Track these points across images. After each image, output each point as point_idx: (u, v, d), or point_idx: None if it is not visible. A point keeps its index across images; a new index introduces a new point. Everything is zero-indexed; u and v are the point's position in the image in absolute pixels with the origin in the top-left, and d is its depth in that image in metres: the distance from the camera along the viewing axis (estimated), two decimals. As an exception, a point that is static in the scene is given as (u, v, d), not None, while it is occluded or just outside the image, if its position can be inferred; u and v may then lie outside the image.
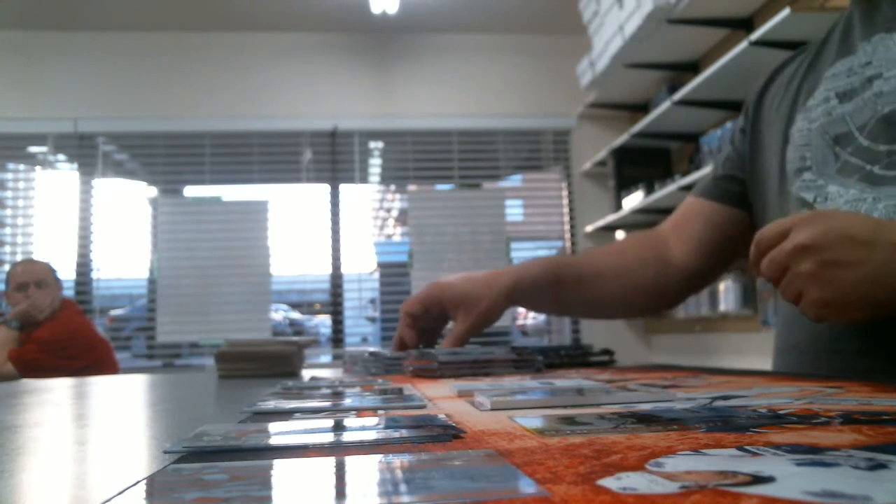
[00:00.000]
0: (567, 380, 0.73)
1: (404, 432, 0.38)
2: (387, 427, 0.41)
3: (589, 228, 4.03)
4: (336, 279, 4.07)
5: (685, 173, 3.10)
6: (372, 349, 1.00)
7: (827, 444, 0.31)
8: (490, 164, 4.26)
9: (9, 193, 4.05)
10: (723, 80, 2.74)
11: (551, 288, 1.03)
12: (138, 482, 0.28)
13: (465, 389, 0.63)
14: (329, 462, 0.31)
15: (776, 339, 0.94)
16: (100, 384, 1.13)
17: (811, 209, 0.82)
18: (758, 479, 0.24)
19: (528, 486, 0.25)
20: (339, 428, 0.42)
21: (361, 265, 4.24)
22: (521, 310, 5.01)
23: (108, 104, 3.94)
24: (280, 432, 0.41)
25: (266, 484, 0.27)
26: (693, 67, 3.30)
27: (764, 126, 0.98)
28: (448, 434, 0.38)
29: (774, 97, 0.98)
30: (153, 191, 4.14)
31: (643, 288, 1.06)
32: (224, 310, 3.85)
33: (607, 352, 1.11)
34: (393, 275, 4.35)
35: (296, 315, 4.73)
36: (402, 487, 0.25)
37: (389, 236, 4.97)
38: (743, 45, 2.47)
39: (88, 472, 0.36)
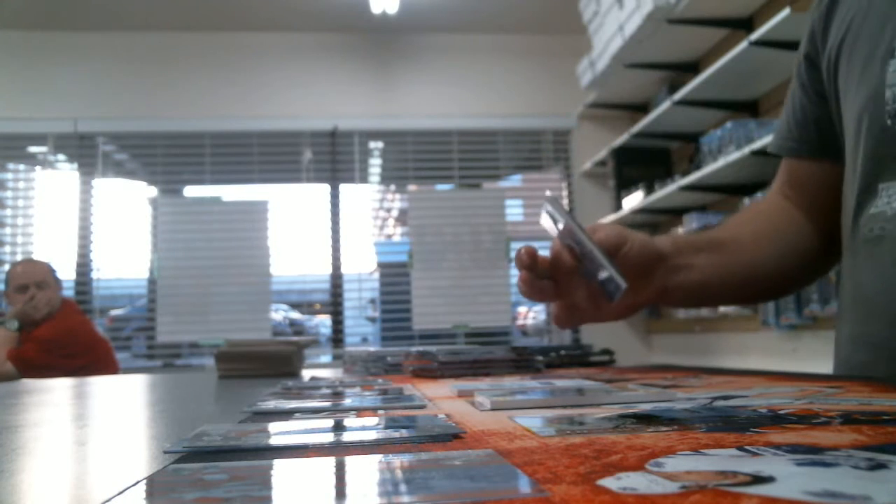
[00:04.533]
0: (567, 380, 0.73)
1: (404, 432, 0.38)
2: (387, 427, 0.41)
3: (589, 228, 4.02)
4: (336, 279, 4.07)
5: (685, 173, 3.10)
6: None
7: (827, 444, 0.31)
8: (490, 164, 4.26)
9: (9, 193, 4.05)
10: (723, 80, 2.74)
11: (696, 252, 0.83)
12: (138, 482, 0.28)
13: (465, 389, 0.63)
14: (329, 462, 0.31)
15: (844, 326, 0.82)
16: (100, 384, 1.13)
17: None
18: (758, 479, 0.24)
19: (528, 486, 0.25)
20: (339, 428, 0.42)
21: (361, 265, 4.24)
22: (522, 309, 5.01)
23: (108, 104, 3.94)
24: (280, 432, 0.41)
25: (266, 484, 0.27)
26: (693, 67, 3.30)
27: (843, 43, 0.79)
28: (448, 434, 0.38)
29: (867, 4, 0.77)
30: (153, 191, 4.14)
31: (799, 250, 0.88)
32: (224, 310, 3.85)
33: (607, 352, 1.12)
34: (393, 275, 4.34)
35: (296, 315, 4.73)
36: (402, 487, 0.25)
37: (389, 236, 4.96)
38: (743, 45, 2.47)
39: (88, 472, 0.36)
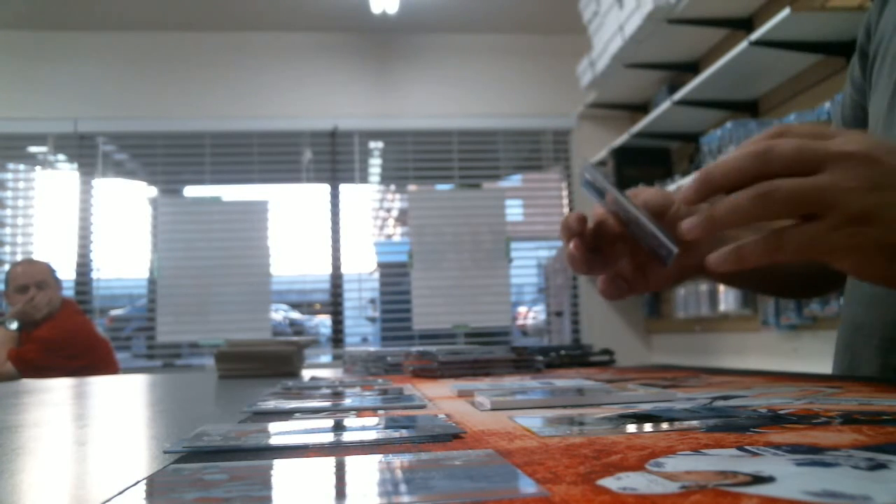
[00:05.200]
0: (567, 380, 0.73)
1: (404, 432, 0.38)
2: (387, 427, 0.41)
3: (589, 228, 4.02)
4: (336, 279, 4.07)
5: (685, 173, 3.10)
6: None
7: (827, 444, 0.31)
8: (490, 164, 4.26)
9: (9, 193, 4.05)
10: (723, 80, 2.74)
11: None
12: (138, 482, 0.28)
13: (465, 389, 0.63)
14: (329, 462, 0.31)
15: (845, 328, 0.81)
16: (100, 384, 1.13)
17: None
18: (758, 479, 0.24)
19: (528, 486, 0.25)
20: (339, 428, 0.42)
21: (361, 265, 4.24)
22: (522, 309, 5.01)
23: (108, 104, 3.94)
24: (280, 432, 0.41)
25: (266, 484, 0.27)
26: (693, 67, 3.30)
27: (883, 38, 0.79)
28: (448, 434, 0.38)
29: None
30: (153, 191, 4.14)
31: None
32: (224, 310, 3.85)
33: (607, 352, 1.12)
34: (393, 275, 4.34)
35: (296, 315, 4.73)
36: (402, 487, 0.25)
37: (389, 236, 4.96)
38: (743, 45, 2.47)
39: (88, 472, 0.36)
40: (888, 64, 0.75)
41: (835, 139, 0.48)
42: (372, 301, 4.48)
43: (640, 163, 3.67)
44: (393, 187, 4.66)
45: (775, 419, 0.40)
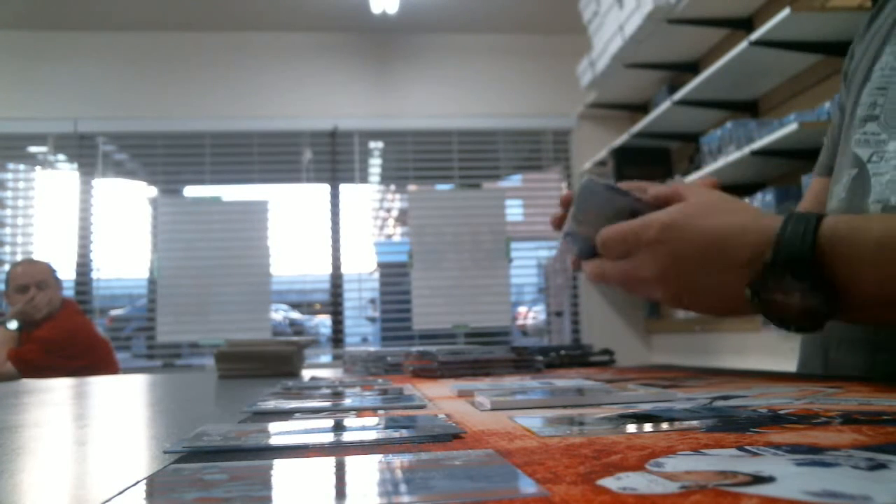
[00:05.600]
0: (567, 380, 0.73)
1: (404, 432, 0.38)
2: (387, 427, 0.41)
3: (589, 228, 4.01)
4: (336, 279, 4.07)
5: (685, 173, 3.10)
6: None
7: (827, 444, 0.31)
8: (490, 164, 4.26)
9: (9, 193, 4.05)
10: (723, 80, 2.74)
11: None
12: (138, 482, 0.28)
13: (465, 389, 0.63)
14: (329, 462, 0.31)
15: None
16: (100, 384, 1.13)
17: (862, 171, 0.70)
18: (758, 479, 0.24)
19: (528, 486, 0.25)
20: (339, 428, 0.42)
21: (361, 265, 4.24)
22: (522, 309, 5.01)
23: (108, 104, 3.94)
24: (280, 432, 0.41)
25: (266, 484, 0.27)
26: (693, 67, 3.30)
27: (856, 63, 0.81)
28: (448, 434, 0.38)
29: (880, 25, 0.77)
30: (153, 191, 4.14)
31: None
32: (224, 310, 3.85)
33: (607, 352, 1.12)
34: (393, 275, 4.34)
35: (296, 315, 4.73)
36: (402, 487, 0.25)
37: (389, 236, 4.96)
38: (743, 45, 2.47)
39: (88, 472, 0.36)
40: (853, 92, 0.79)
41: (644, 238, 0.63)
42: (372, 301, 4.47)
43: (640, 163, 3.67)
44: (393, 187, 4.66)
45: (775, 419, 0.40)
